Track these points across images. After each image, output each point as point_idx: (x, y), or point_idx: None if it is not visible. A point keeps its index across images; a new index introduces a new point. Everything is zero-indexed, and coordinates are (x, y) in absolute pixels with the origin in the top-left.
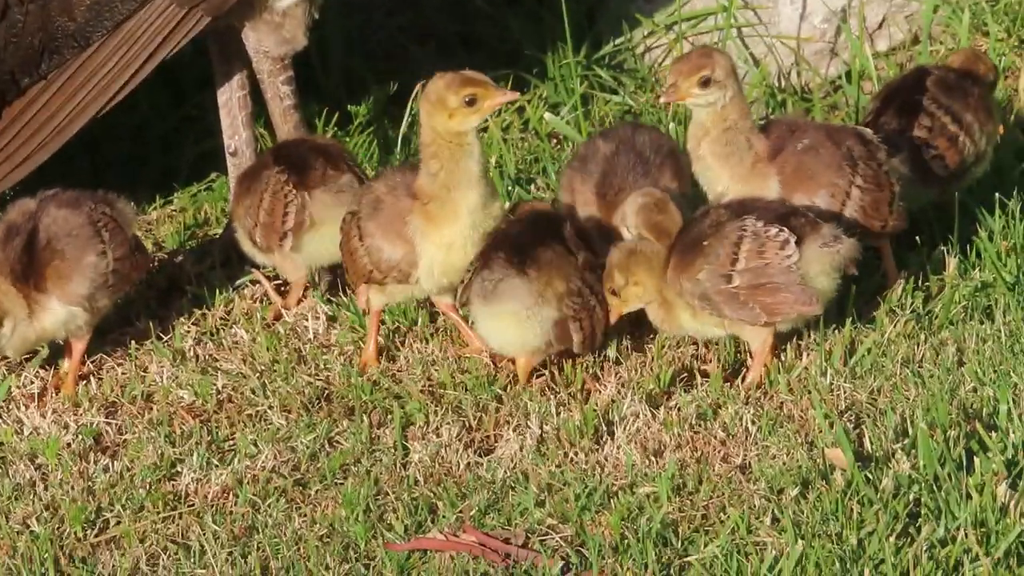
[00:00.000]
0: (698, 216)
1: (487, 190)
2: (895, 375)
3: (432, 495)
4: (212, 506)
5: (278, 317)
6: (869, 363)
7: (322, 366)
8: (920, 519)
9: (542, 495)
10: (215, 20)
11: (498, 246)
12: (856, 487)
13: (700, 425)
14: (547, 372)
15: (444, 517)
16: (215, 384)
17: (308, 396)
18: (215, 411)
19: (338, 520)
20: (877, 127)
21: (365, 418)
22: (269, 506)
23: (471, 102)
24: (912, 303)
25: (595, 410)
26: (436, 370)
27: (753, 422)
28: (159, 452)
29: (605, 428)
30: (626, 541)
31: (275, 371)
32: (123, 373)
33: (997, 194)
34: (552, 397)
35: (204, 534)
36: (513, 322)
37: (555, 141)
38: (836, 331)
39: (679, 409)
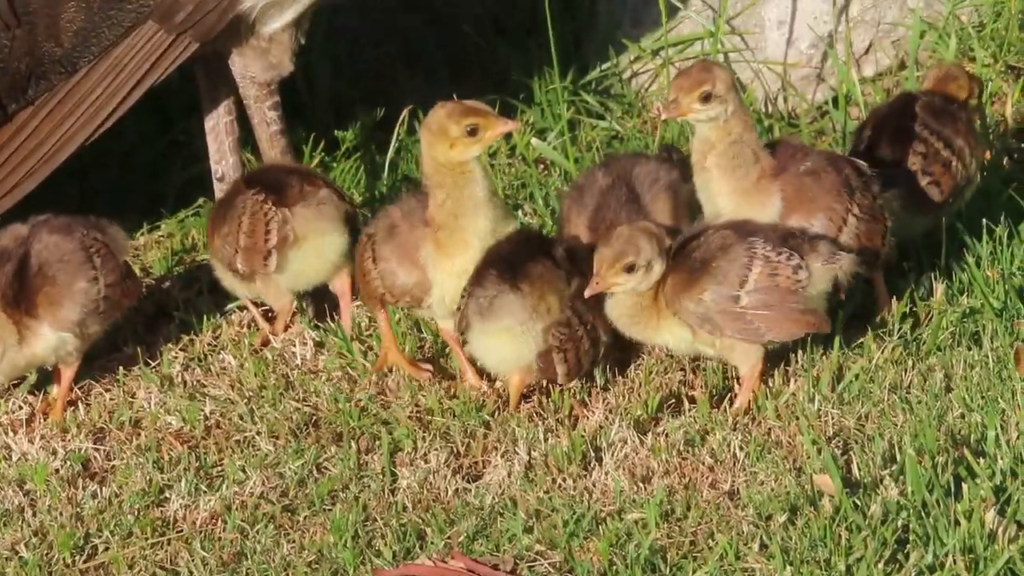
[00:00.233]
0: (696, 235)
1: (497, 213)
2: (883, 401)
3: (420, 521)
4: (200, 532)
5: (266, 343)
6: (857, 389)
7: (310, 392)
8: (908, 545)
9: (530, 521)
10: (202, 46)
11: (489, 264)
12: (844, 513)
13: (688, 451)
14: (535, 398)
15: (432, 543)
16: (203, 410)
17: (296, 422)
18: (203, 437)
19: (326, 546)
20: (872, 157)
21: (353, 444)
22: (257, 532)
23: (472, 132)
24: (900, 329)
25: (583, 436)
26: (424, 396)
27: (741, 448)
28: (147, 478)
29: (593, 454)
30: (614, 567)
31: (263, 397)
32: (111, 399)
33: (985, 220)
34: (540, 423)
35: (193, 560)
36: (508, 338)
37: (542, 166)
38: (824, 357)
39: (667, 435)
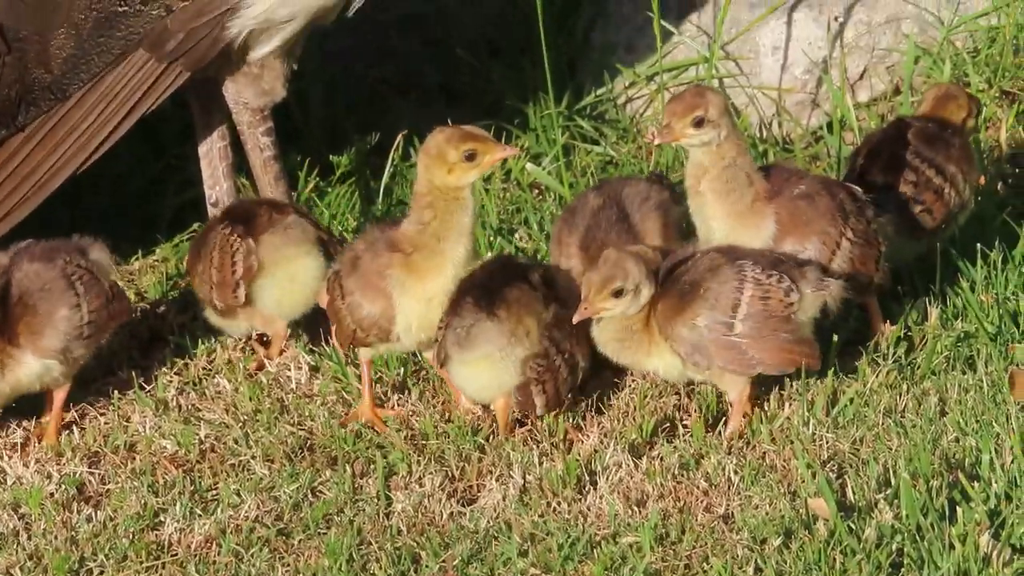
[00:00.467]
0: (683, 259)
1: (472, 246)
2: (877, 425)
3: (415, 545)
4: (195, 556)
5: (260, 367)
6: (851, 413)
7: (305, 416)
8: (903, 569)
9: (525, 545)
10: (194, 74)
11: (465, 292)
12: (839, 537)
13: (683, 475)
14: (530, 422)
15: (427, 567)
16: (198, 434)
17: (291, 446)
18: (198, 461)
19: (321, 570)
20: (864, 184)
21: (348, 468)
22: (252, 556)
23: (471, 157)
24: (894, 353)
25: (578, 460)
26: (418, 420)
27: (736, 472)
28: (142, 502)
29: (588, 478)
30: None
31: (258, 421)
32: (106, 423)
33: (979, 245)
34: (535, 447)
35: None
36: (488, 365)
37: (537, 191)
38: (818, 381)
39: (662, 459)
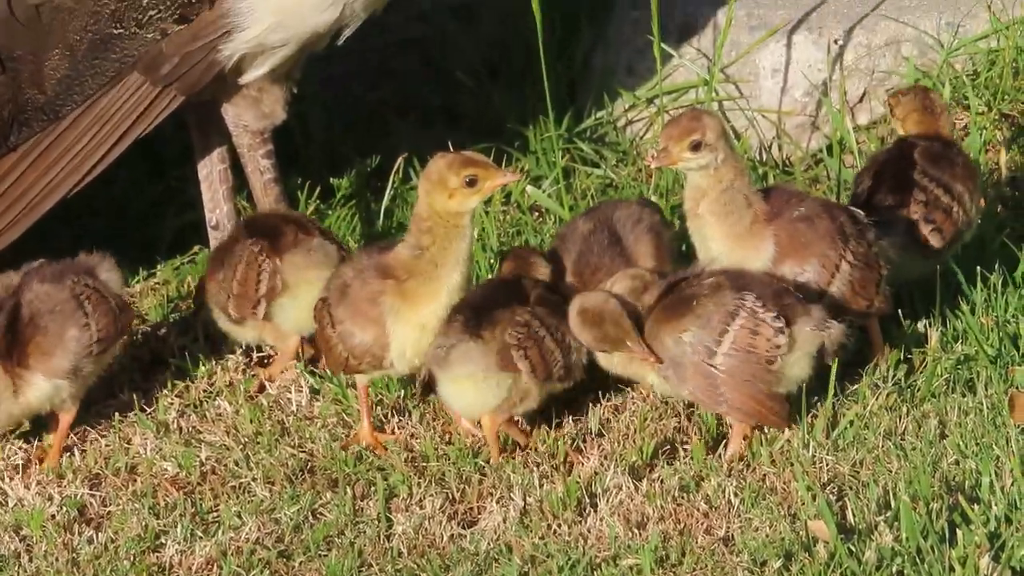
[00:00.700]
0: (691, 276)
1: (468, 274)
2: (877, 447)
3: (416, 567)
4: None
5: (261, 389)
6: (851, 435)
7: (306, 438)
8: None
9: (526, 567)
10: (189, 98)
11: (458, 310)
12: (839, 559)
13: (683, 497)
14: (528, 445)
15: None
16: (199, 456)
17: (292, 468)
18: (199, 483)
19: None
20: (873, 206)
21: (349, 490)
22: None
23: (472, 182)
24: (894, 376)
25: (578, 482)
26: (419, 442)
27: (736, 494)
28: (143, 524)
29: (588, 500)
30: None
31: (258, 443)
32: (107, 445)
33: (979, 267)
34: (535, 469)
35: None
36: (471, 385)
37: (537, 214)
38: (818, 403)
39: (662, 481)
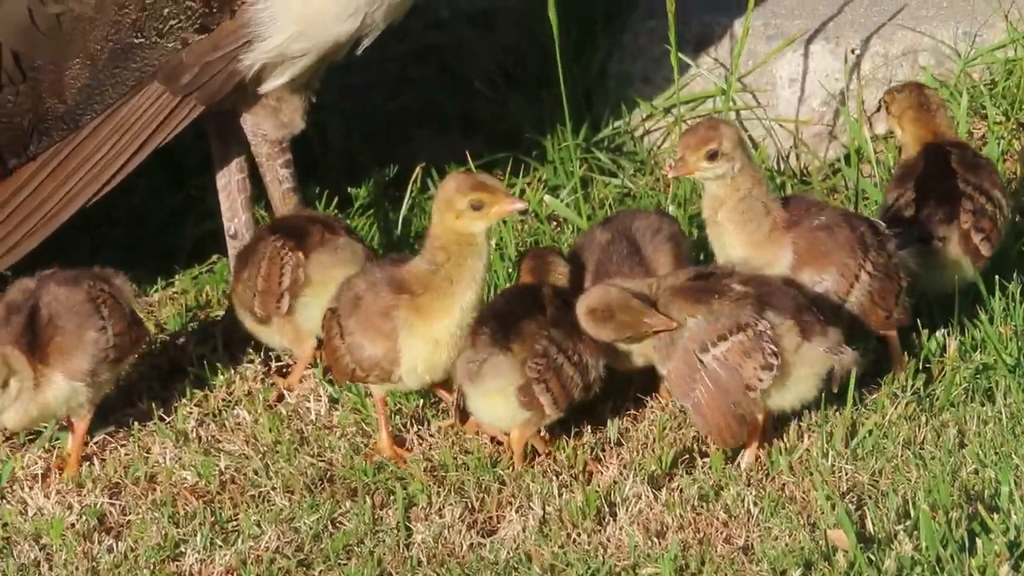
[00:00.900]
0: (723, 273)
1: (482, 291)
2: (897, 457)
3: None
4: None
5: (280, 398)
6: (871, 445)
7: (325, 447)
8: None
9: None
10: (209, 107)
11: (483, 322)
12: (858, 569)
13: (702, 506)
14: (548, 454)
15: None
16: (218, 465)
17: (311, 477)
18: (218, 492)
19: None
20: (919, 218)
21: (368, 499)
22: None
23: (478, 207)
24: (913, 385)
25: (597, 491)
26: (438, 452)
27: (755, 503)
28: (163, 533)
29: (607, 509)
30: None
31: (278, 452)
32: (126, 454)
33: (997, 277)
34: (554, 478)
35: None
36: (501, 398)
37: (555, 223)
38: (837, 413)
39: (681, 490)
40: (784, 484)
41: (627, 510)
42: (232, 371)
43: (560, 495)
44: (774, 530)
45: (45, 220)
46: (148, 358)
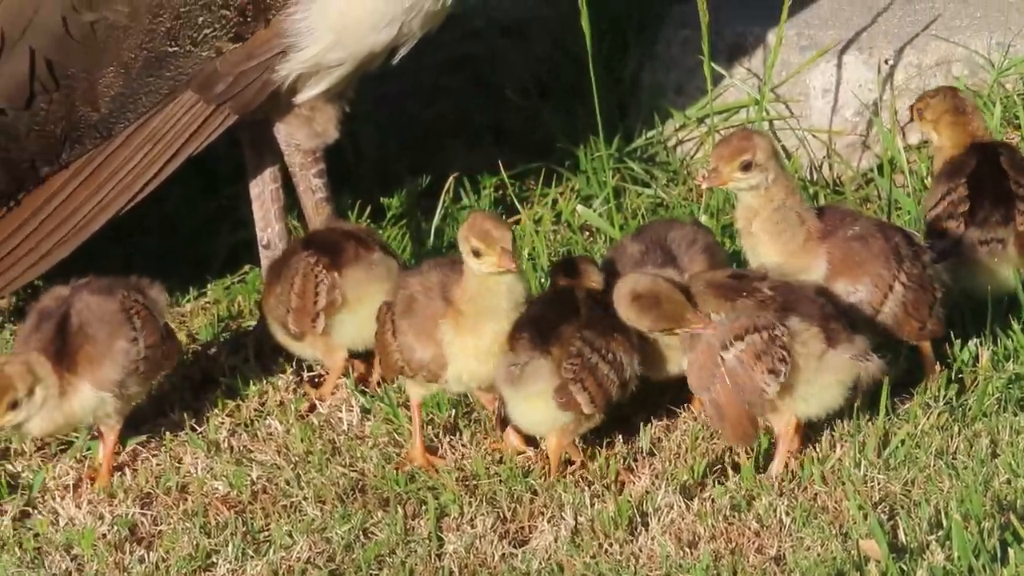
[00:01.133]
0: (755, 277)
1: (511, 319)
2: (929, 467)
3: None
4: None
5: (312, 408)
6: (903, 455)
7: (357, 457)
8: None
9: None
10: (243, 117)
11: (521, 327)
12: None
13: (734, 516)
14: (580, 463)
15: None
16: (250, 475)
17: (343, 487)
18: (250, 502)
19: None
20: (974, 220)
21: (400, 509)
22: None
23: (476, 254)
24: (946, 395)
25: (629, 501)
26: (470, 462)
27: (787, 513)
28: (194, 543)
29: (639, 519)
30: None
31: (309, 462)
32: (157, 464)
33: None
34: (586, 488)
35: None
36: (542, 402)
37: (587, 233)
38: (870, 423)
39: (713, 500)
40: (816, 494)
41: (659, 520)
42: (264, 381)
43: (592, 505)
44: (806, 540)
45: (77, 229)
46: (180, 368)
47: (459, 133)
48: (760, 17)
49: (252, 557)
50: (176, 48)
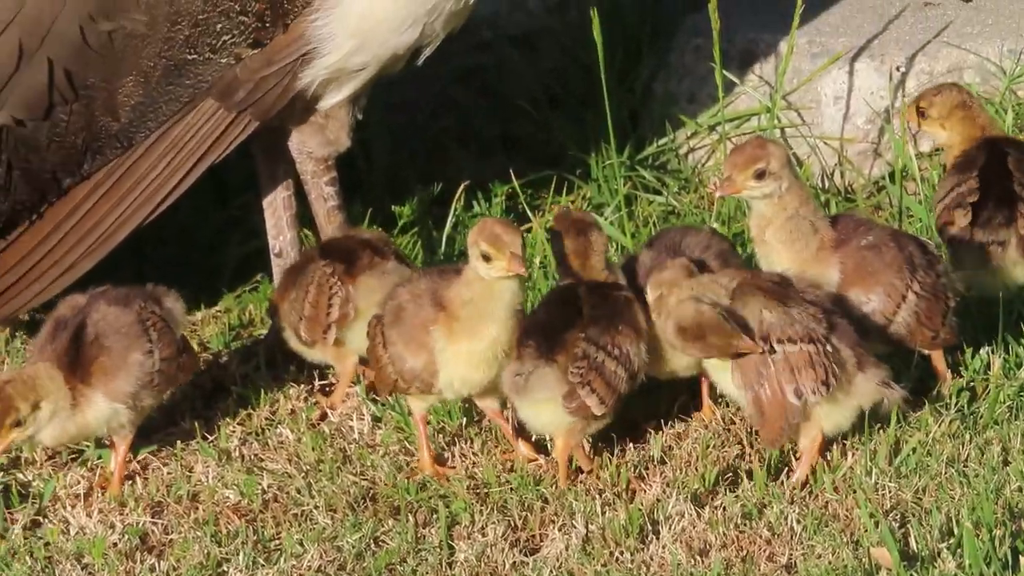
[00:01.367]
0: (801, 287)
1: (511, 333)
2: (940, 474)
3: None
4: None
5: (323, 417)
6: (914, 462)
7: (368, 466)
8: None
9: None
10: (262, 124)
11: (527, 334)
12: None
13: (745, 524)
14: (591, 472)
15: None
16: (261, 484)
17: (354, 496)
18: (261, 510)
19: None
20: (980, 219)
21: (411, 517)
22: None
23: (486, 258)
24: (957, 403)
25: (640, 509)
26: (481, 470)
27: (798, 521)
28: (205, 551)
29: (650, 527)
30: None
31: (320, 471)
32: (169, 473)
33: None
34: (597, 496)
35: None
36: (550, 407)
37: None
38: (881, 431)
39: (724, 508)
40: (827, 502)
41: (670, 528)
42: (275, 390)
43: (603, 513)
44: (817, 548)
45: (101, 241)
46: (191, 377)
47: (470, 142)
48: (771, 25)
49: (263, 566)
50: (195, 56)
